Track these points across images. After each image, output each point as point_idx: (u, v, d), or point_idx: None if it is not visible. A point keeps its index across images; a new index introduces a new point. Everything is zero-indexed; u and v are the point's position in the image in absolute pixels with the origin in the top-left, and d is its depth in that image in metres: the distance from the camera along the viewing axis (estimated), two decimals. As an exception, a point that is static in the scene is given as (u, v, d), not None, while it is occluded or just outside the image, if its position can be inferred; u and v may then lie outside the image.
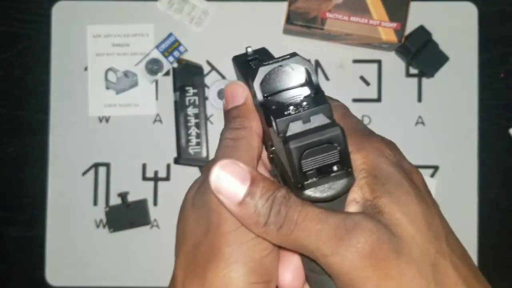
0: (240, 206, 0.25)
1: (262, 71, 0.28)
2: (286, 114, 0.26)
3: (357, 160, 0.27)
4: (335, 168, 0.26)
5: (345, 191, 0.26)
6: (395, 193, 0.26)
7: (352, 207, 0.26)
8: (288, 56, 0.28)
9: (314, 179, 0.26)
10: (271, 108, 0.27)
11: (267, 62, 0.28)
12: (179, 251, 0.29)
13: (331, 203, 0.27)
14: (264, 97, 0.28)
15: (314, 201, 0.26)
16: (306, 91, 0.28)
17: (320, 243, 0.24)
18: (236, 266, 0.26)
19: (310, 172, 0.25)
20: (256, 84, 0.28)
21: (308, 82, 0.28)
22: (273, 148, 0.28)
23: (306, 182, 0.26)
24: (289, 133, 0.26)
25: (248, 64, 0.32)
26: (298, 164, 0.25)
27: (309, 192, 0.26)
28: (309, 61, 0.28)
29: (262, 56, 0.32)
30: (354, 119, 0.31)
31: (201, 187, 0.29)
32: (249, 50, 0.32)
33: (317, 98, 0.27)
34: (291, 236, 0.25)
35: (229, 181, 0.25)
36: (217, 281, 0.26)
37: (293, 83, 0.28)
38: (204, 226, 0.27)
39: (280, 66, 0.28)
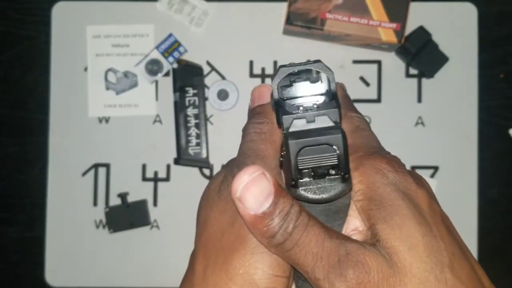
0: (257, 218, 0.25)
1: (282, 72, 0.28)
2: (293, 113, 0.27)
3: (354, 178, 0.27)
4: (332, 171, 0.26)
5: (339, 196, 0.26)
6: (391, 217, 0.25)
7: (355, 236, 0.26)
8: (312, 62, 0.29)
9: (309, 179, 0.26)
10: (284, 108, 0.27)
11: (289, 64, 0.28)
12: (201, 238, 0.28)
13: (330, 209, 0.27)
14: (281, 98, 0.28)
15: (306, 201, 0.26)
16: (323, 98, 0.28)
17: (315, 266, 0.24)
18: (262, 256, 0.26)
19: (305, 170, 0.26)
20: (275, 83, 0.28)
21: (327, 91, 0.28)
22: (283, 153, 0.28)
23: (300, 180, 0.26)
24: (291, 129, 0.26)
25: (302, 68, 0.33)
26: (294, 160, 0.25)
27: (302, 191, 0.26)
28: (331, 70, 0.28)
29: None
30: (366, 133, 0.30)
31: (228, 176, 0.28)
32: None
33: (329, 103, 0.27)
34: (289, 252, 0.25)
35: (253, 194, 0.25)
36: (242, 270, 0.25)
37: (313, 91, 0.28)
38: (230, 214, 0.27)
39: (303, 71, 0.28)
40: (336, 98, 0.27)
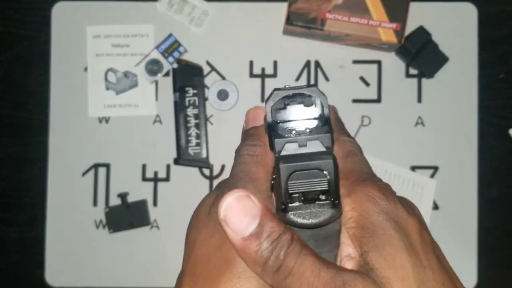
0: (244, 241, 0.25)
1: (277, 95, 0.28)
2: (286, 137, 0.27)
3: (346, 205, 0.27)
4: (322, 196, 0.26)
5: (328, 222, 0.26)
6: (384, 247, 0.25)
7: (348, 263, 0.26)
8: (306, 86, 0.29)
9: (299, 203, 0.26)
10: (276, 131, 0.28)
11: (283, 87, 0.28)
12: (189, 260, 0.28)
13: (319, 234, 0.26)
14: (275, 121, 0.28)
15: (295, 226, 0.26)
16: (316, 123, 0.28)
17: None
18: (249, 281, 0.25)
19: (295, 195, 0.25)
20: (268, 105, 0.28)
21: (320, 116, 0.28)
22: (275, 176, 0.28)
23: (290, 205, 0.26)
24: (283, 152, 0.26)
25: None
26: (285, 184, 0.25)
27: (291, 215, 0.26)
28: (324, 95, 0.28)
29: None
30: (358, 158, 0.30)
31: (220, 197, 0.28)
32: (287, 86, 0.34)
33: (322, 128, 0.27)
34: (284, 281, 0.25)
35: (237, 215, 0.25)
36: None
37: (306, 115, 0.28)
38: (218, 237, 0.27)
39: (297, 95, 0.28)
40: (329, 123, 0.28)
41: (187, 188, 0.72)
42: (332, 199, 0.25)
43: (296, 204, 0.26)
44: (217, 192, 0.29)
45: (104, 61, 0.72)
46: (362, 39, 0.67)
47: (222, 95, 0.71)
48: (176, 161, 0.71)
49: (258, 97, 0.72)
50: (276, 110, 0.28)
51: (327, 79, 0.72)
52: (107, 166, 0.72)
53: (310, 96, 0.28)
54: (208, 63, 0.72)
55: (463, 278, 0.77)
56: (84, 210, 0.71)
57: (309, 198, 0.26)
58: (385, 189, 0.27)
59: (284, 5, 0.68)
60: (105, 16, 0.73)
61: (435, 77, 0.72)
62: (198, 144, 0.71)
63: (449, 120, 0.72)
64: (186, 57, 0.72)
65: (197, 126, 0.71)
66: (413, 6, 0.67)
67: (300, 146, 0.26)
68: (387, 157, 0.71)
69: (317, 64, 0.72)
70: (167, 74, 0.72)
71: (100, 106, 0.72)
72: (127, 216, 0.71)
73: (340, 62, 0.72)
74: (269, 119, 0.28)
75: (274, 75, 0.72)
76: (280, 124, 0.28)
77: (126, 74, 0.72)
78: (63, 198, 0.72)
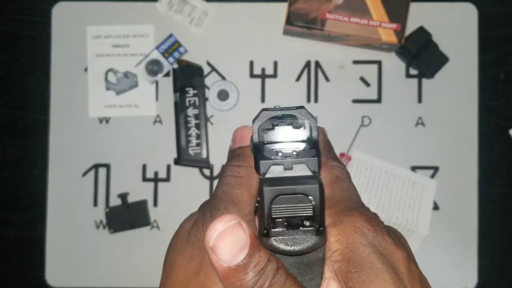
0: (229, 270, 0.24)
1: (264, 115, 0.27)
2: (272, 159, 0.25)
3: (332, 236, 0.26)
4: (306, 222, 0.24)
5: (312, 250, 0.25)
6: (371, 282, 0.24)
7: None
8: (295, 107, 0.28)
9: (282, 228, 0.25)
10: (262, 152, 0.27)
11: (272, 108, 0.28)
12: (165, 284, 0.28)
13: (302, 262, 0.26)
14: (261, 142, 0.27)
15: (277, 252, 0.25)
16: (304, 145, 0.27)
17: None
18: None
19: (279, 220, 0.24)
20: (255, 126, 0.27)
21: (308, 138, 0.27)
22: (259, 199, 0.27)
23: (273, 230, 0.25)
24: (268, 175, 0.25)
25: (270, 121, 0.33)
26: (268, 208, 0.24)
27: (273, 241, 0.25)
28: (313, 117, 0.27)
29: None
30: (345, 185, 0.29)
31: (199, 221, 0.28)
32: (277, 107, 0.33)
33: (309, 151, 0.26)
34: None
35: (227, 245, 0.24)
36: None
37: (294, 137, 0.27)
38: (196, 263, 0.26)
39: (286, 115, 0.27)
40: (317, 147, 0.27)
41: (187, 189, 0.72)
42: (316, 225, 0.24)
43: (279, 229, 0.24)
44: (197, 215, 0.28)
45: (104, 61, 0.72)
46: (362, 39, 0.67)
47: (223, 95, 0.71)
48: (177, 161, 0.71)
49: (258, 97, 0.72)
50: (264, 130, 0.27)
51: (327, 79, 0.72)
52: (107, 166, 0.72)
53: (298, 118, 0.27)
54: (208, 63, 0.72)
55: (464, 278, 0.77)
56: (84, 210, 0.71)
57: (292, 224, 0.24)
58: (373, 220, 0.26)
59: (284, 5, 0.68)
60: (105, 16, 0.73)
61: (435, 77, 0.72)
62: (198, 144, 0.71)
63: (449, 120, 0.72)
64: (186, 57, 0.72)
65: (197, 126, 0.71)
66: (413, 6, 0.67)
67: (285, 169, 0.25)
68: (388, 157, 0.71)
69: (317, 64, 0.72)
70: (167, 75, 0.72)
71: (100, 106, 0.72)
72: (127, 216, 0.71)
73: (340, 62, 0.72)
74: (256, 139, 0.27)
75: (274, 75, 0.72)
76: (267, 145, 0.27)
77: (126, 75, 0.72)
78: (63, 198, 0.72)
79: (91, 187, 0.72)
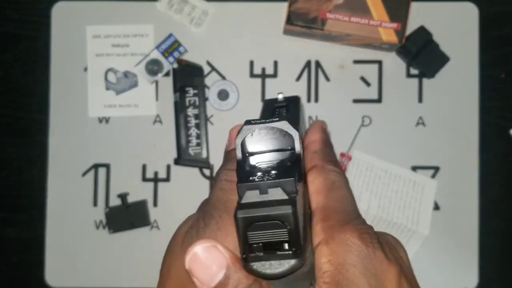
0: None
1: (246, 130, 0.27)
2: (250, 180, 0.25)
3: (323, 256, 0.25)
4: (284, 246, 0.24)
5: (291, 272, 0.25)
6: None
7: None
8: (277, 119, 0.27)
9: (260, 253, 0.24)
10: (244, 169, 0.27)
11: (254, 121, 0.27)
12: None
13: (289, 277, 0.25)
14: (245, 155, 0.27)
15: (257, 276, 0.25)
16: (286, 156, 0.27)
17: None
18: None
19: (255, 245, 0.24)
20: (238, 141, 0.27)
21: (290, 149, 0.27)
22: None
23: (251, 255, 0.25)
24: (243, 200, 0.25)
25: (275, 111, 0.32)
26: (243, 235, 0.24)
27: (252, 266, 0.25)
28: (296, 129, 0.27)
29: (291, 105, 0.32)
30: (341, 193, 0.28)
31: (193, 228, 0.28)
32: (280, 96, 0.32)
33: (289, 169, 0.26)
34: None
35: (204, 267, 0.24)
36: None
37: (280, 145, 0.27)
38: (187, 275, 0.26)
39: (270, 127, 0.27)
40: (298, 161, 0.26)
41: (187, 189, 0.72)
42: (293, 249, 0.24)
43: (257, 254, 0.24)
44: (193, 221, 0.28)
45: (104, 61, 0.72)
46: (363, 39, 0.67)
47: (223, 95, 0.71)
48: (176, 161, 0.71)
49: (258, 97, 0.72)
50: (246, 141, 0.27)
51: (327, 79, 0.72)
52: (107, 166, 0.72)
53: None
54: (208, 63, 0.72)
55: (464, 278, 0.77)
56: (84, 210, 0.71)
57: (269, 249, 0.24)
58: (366, 235, 0.26)
59: (284, 5, 0.68)
60: (105, 16, 0.72)
61: (436, 77, 0.71)
62: (198, 144, 0.71)
63: (450, 120, 0.72)
64: (186, 57, 0.72)
65: (197, 126, 0.71)
66: (414, 6, 0.67)
67: (261, 193, 0.25)
68: (388, 157, 0.71)
69: (318, 64, 0.72)
70: (167, 74, 0.72)
71: (100, 106, 0.72)
72: (127, 216, 0.70)
73: (340, 62, 0.72)
74: (238, 156, 0.27)
75: (274, 75, 0.72)
76: (251, 157, 0.27)
77: (126, 74, 0.72)
78: (63, 198, 0.71)
79: (91, 187, 0.72)
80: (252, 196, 0.25)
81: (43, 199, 0.71)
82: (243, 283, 0.24)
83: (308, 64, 0.72)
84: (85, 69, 0.72)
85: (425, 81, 0.72)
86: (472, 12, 0.72)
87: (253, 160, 0.27)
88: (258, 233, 0.24)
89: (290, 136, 0.27)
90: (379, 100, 0.72)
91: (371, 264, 0.25)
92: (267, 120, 0.27)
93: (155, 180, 0.72)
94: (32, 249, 0.71)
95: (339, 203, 0.27)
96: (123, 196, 0.71)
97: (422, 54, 0.70)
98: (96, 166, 0.72)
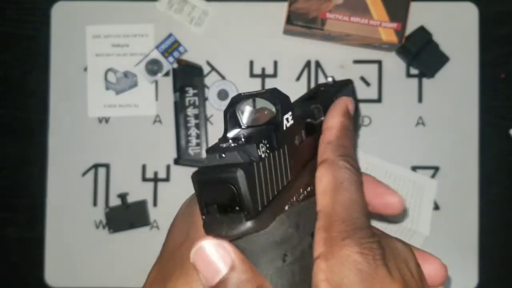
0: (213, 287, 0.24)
1: (234, 101, 0.28)
2: (217, 147, 0.26)
3: (321, 273, 0.24)
4: (236, 209, 0.25)
5: (245, 235, 0.25)
6: None
7: None
8: (263, 91, 0.28)
9: (216, 215, 0.25)
10: (222, 139, 0.27)
11: (244, 94, 0.29)
12: (159, 256, 0.29)
13: (249, 249, 0.26)
14: (233, 127, 0.28)
15: (215, 237, 0.26)
16: (271, 128, 0.27)
17: None
18: (195, 285, 0.25)
19: (210, 207, 0.25)
20: (224, 112, 0.28)
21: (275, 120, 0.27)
22: None
23: (208, 216, 0.25)
24: (204, 164, 0.26)
25: (319, 88, 0.32)
26: (199, 197, 0.25)
27: (209, 226, 0.25)
28: (280, 101, 0.27)
29: (338, 87, 0.33)
30: (348, 196, 0.26)
31: (193, 198, 0.28)
32: (329, 79, 0.34)
33: (259, 136, 0.26)
34: None
35: (208, 264, 0.24)
36: None
37: (266, 119, 0.28)
38: (184, 235, 0.27)
39: (254, 98, 0.28)
40: (276, 131, 0.27)
41: (187, 188, 0.71)
42: (245, 212, 0.24)
43: (214, 216, 0.25)
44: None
45: (104, 61, 0.72)
46: (363, 39, 0.67)
47: (222, 95, 0.71)
48: (176, 161, 0.71)
49: (258, 97, 0.72)
50: (242, 113, 0.28)
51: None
52: (107, 166, 0.72)
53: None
54: (208, 63, 0.72)
55: (464, 278, 0.77)
56: (84, 210, 0.71)
57: (224, 211, 0.25)
58: (367, 251, 0.24)
59: (284, 5, 0.68)
60: (105, 16, 0.72)
61: (436, 77, 0.71)
62: (198, 144, 0.71)
63: (450, 120, 0.71)
64: (186, 57, 0.72)
65: (197, 126, 0.71)
66: (413, 5, 0.67)
67: (219, 157, 0.25)
68: (388, 157, 0.71)
69: (318, 64, 0.72)
70: (167, 74, 0.72)
71: (100, 106, 0.72)
72: (127, 216, 0.70)
73: (340, 62, 0.72)
74: (224, 128, 0.28)
75: (274, 75, 0.72)
76: (231, 131, 0.28)
77: (126, 74, 0.72)
78: (63, 198, 0.71)
79: (91, 187, 0.72)
80: (211, 159, 0.25)
81: (43, 199, 0.71)
82: (243, 283, 0.24)
83: (308, 64, 0.72)
84: (85, 69, 0.72)
85: (425, 81, 0.72)
86: (472, 12, 0.72)
87: (235, 133, 0.28)
88: (211, 195, 0.25)
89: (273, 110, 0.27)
90: (379, 100, 0.72)
91: (372, 285, 0.24)
92: (255, 92, 0.28)
93: (155, 180, 0.72)
94: (32, 249, 0.71)
95: (345, 209, 0.26)
96: (123, 196, 0.71)
97: (422, 54, 0.70)
98: (96, 166, 0.72)
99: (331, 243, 0.25)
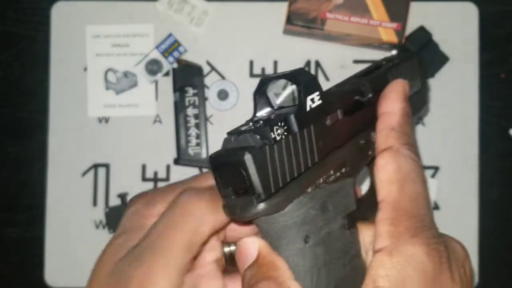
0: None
1: (262, 83, 0.29)
2: (237, 128, 0.26)
3: (383, 268, 0.23)
4: (248, 191, 0.25)
5: (257, 217, 0.25)
6: None
7: None
8: (289, 72, 0.29)
9: (232, 196, 0.25)
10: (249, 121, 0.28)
11: (272, 75, 0.29)
12: None
13: (276, 227, 0.26)
14: (263, 108, 0.29)
15: (232, 218, 0.26)
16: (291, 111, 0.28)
17: None
18: None
19: (227, 189, 0.25)
20: (253, 97, 0.29)
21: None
22: None
23: (225, 198, 0.26)
24: (222, 147, 0.26)
25: (382, 63, 0.33)
26: (216, 179, 0.26)
27: (226, 208, 0.26)
28: (301, 81, 0.27)
29: (400, 60, 0.33)
30: (416, 189, 0.24)
31: (131, 255, 0.26)
32: (393, 52, 0.35)
33: (275, 117, 0.26)
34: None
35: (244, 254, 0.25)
36: None
37: (288, 103, 0.28)
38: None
39: (278, 79, 0.28)
40: (296, 113, 0.26)
41: (187, 188, 0.71)
42: (254, 195, 0.25)
43: (230, 197, 0.26)
44: (123, 240, 0.29)
45: (104, 61, 0.72)
46: (363, 39, 0.67)
47: (222, 95, 0.71)
48: (176, 161, 0.71)
49: (258, 97, 0.72)
50: (273, 95, 0.29)
51: (327, 79, 0.72)
52: (107, 166, 0.72)
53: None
54: (208, 63, 0.72)
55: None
56: (84, 210, 0.71)
57: (238, 193, 0.25)
58: (435, 252, 0.23)
59: (284, 5, 0.68)
60: (105, 16, 0.72)
61: (436, 77, 0.71)
62: (198, 144, 0.71)
63: (450, 120, 0.71)
64: (186, 57, 0.72)
65: (197, 126, 0.71)
66: (413, 5, 0.67)
67: (234, 140, 0.26)
68: (388, 157, 0.70)
69: (318, 64, 0.72)
70: (167, 74, 0.72)
71: (99, 106, 0.72)
72: (127, 216, 0.70)
73: (340, 62, 0.72)
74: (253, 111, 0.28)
75: (274, 75, 0.72)
76: (259, 112, 0.29)
77: (126, 74, 0.72)
78: (62, 198, 0.71)
79: (91, 187, 0.72)
80: (227, 142, 0.26)
81: (42, 199, 0.71)
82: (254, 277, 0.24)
83: (308, 64, 0.72)
84: (85, 69, 0.72)
85: (425, 81, 0.72)
86: (472, 12, 0.72)
87: (264, 113, 0.28)
88: (226, 178, 0.25)
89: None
90: (379, 100, 0.72)
91: (436, 284, 0.23)
92: (281, 73, 0.28)
93: (155, 180, 0.72)
94: (31, 249, 0.71)
95: (413, 203, 0.24)
96: (123, 196, 0.71)
97: (422, 54, 0.70)
98: (96, 166, 0.72)
99: (398, 239, 0.23)
